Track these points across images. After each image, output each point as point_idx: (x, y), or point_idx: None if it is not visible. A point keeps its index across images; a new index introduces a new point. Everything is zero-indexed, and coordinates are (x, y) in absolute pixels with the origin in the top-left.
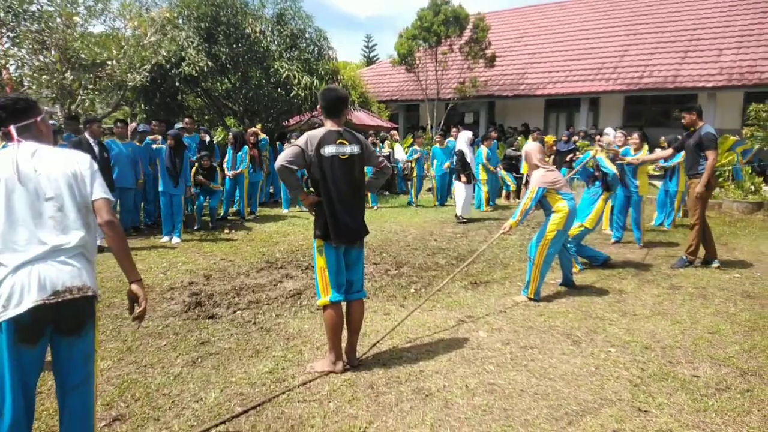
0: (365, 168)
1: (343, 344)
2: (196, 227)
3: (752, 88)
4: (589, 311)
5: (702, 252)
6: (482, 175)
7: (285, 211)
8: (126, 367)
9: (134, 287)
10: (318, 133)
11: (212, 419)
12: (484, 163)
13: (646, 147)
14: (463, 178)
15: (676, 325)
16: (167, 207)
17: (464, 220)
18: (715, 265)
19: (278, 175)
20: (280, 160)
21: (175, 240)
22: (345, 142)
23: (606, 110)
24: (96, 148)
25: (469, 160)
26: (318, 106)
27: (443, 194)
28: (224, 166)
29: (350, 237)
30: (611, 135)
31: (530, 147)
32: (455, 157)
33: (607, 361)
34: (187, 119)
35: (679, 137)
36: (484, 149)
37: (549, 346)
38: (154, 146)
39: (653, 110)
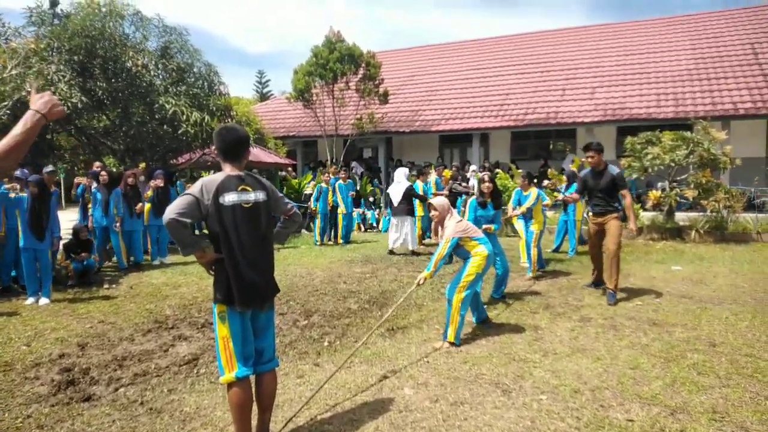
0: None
1: (253, 422)
2: (69, 283)
3: (624, 122)
4: (511, 353)
5: (592, 276)
6: (419, 211)
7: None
8: None
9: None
10: (215, 178)
11: None
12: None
13: (533, 189)
14: (420, 211)
15: (598, 363)
16: (31, 264)
17: (401, 253)
18: (602, 288)
19: (168, 230)
20: (170, 212)
21: (43, 301)
22: (248, 188)
23: (495, 145)
24: None
25: (399, 195)
26: (212, 147)
27: (348, 232)
28: (89, 212)
29: (258, 299)
30: (478, 171)
31: (441, 200)
32: (399, 194)
33: (541, 412)
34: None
35: (573, 172)
36: (420, 184)
37: (479, 399)
38: (12, 195)
39: (537, 144)
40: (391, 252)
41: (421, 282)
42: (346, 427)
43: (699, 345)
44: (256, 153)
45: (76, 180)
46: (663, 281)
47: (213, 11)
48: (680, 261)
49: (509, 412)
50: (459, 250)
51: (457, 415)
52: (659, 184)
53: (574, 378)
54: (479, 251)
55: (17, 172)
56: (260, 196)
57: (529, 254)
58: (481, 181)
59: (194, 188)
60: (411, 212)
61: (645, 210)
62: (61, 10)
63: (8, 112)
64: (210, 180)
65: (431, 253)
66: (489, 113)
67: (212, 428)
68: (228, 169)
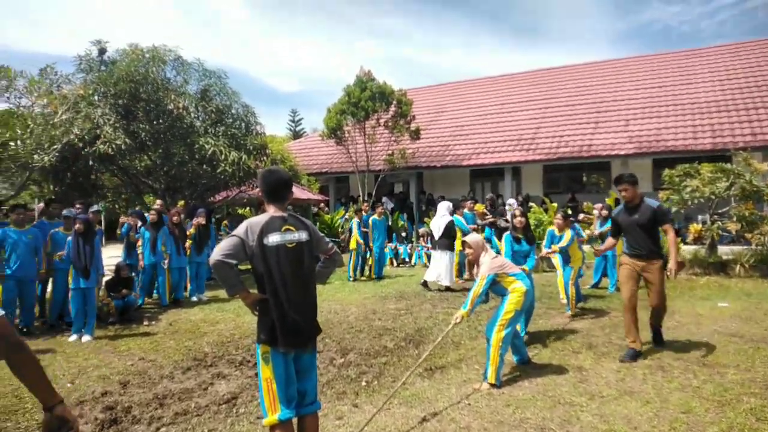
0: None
1: None
2: (110, 320)
3: (659, 155)
4: (555, 396)
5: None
6: (458, 245)
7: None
8: None
9: (59, 410)
10: (260, 220)
11: None
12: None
13: (568, 230)
14: (459, 246)
15: (647, 406)
16: (79, 302)
17: (435, 288)
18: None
19: (214, 272)
20: (216, 254)
21: (86, 338)
22: (291, 228)
23: (527, 178)
24: None
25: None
26: (249, 185)
27: (380, 267)
28: (139, 250)
29: (302, 339)
30: (514, 205)
31: (476, 237)
32: (440, 228)
33: None
34: (159, 201)
35: (608, 207)
36: (461, 218)
37: None
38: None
39: (569, 176)
40: (425, 284)
41: (458, 320)
42: None
43: (755, 388)
44: None
45: (122, 219)
46: (710, 319)
47: (248, 53)
48: (727, 297)
49: None
50: (496, 287)
51: None
52: (699, 217)
53: (623, 423)
54: (517, 287)
55: (65, 212)
56: (303, 236)
57: (567, 292)
58: (513, 216)
59: (239, 230)
60: (451, 247)
61: (686, 243)
62: (108, 57)
63: (57, 154)
64: (255, 221)
65: (466, 290)
66: (520, 147)
67: None
68: (272, 210)
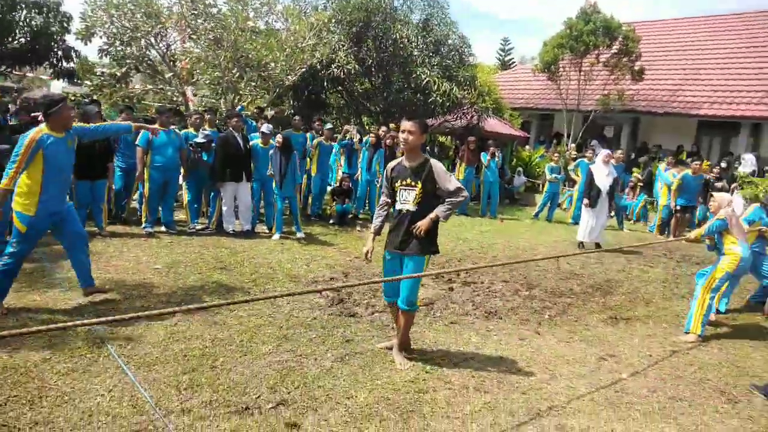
0: None
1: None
2: (331, 221)
3: None
4: (744, 367)
5: None
6: (662, 199)
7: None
8: (284, 354)
9: None
10: None
11: (363, 418)
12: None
13: None
14: (586, 201)
15: None
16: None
17: (586, 250)
18: None
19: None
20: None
21: (276, 237)
22: None
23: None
24: (240, 141)
25: (599, 182)
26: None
27: (577, 212)
28: (359, 166)
29: None
30: (752, 162)
31: (725, 194)
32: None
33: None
34: (296, 117)
35: None
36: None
37: (700, 401)
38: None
39: None
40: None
41: (692, 237)
42: (563, 390)
43: None
44: (492, 124)
45: (346, 127)
46: None
47: None
48: None
49: (732, 420)
50: (718, 239)
51: (674, 408)
52: None
53: None
54: (734, 250)
55: (263, 128)
56: None
57: None
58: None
59: None
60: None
61: None
62: None
63: (301, 75)
64: None
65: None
66: (767, 100)
67: (447, 361)
68: None
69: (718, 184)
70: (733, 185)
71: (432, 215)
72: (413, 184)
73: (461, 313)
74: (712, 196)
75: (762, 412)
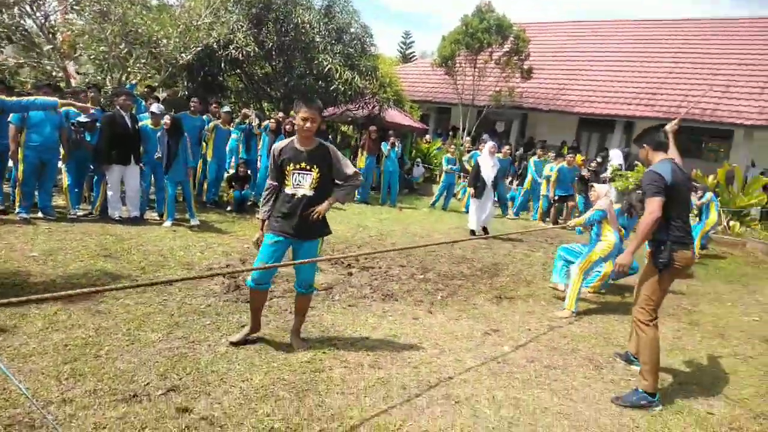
0: None
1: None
2: (228, 209)
3: None
4: (610, 338)
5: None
6: (542, 190)
7: None
8: (175, 341)
9: None
10: None
11: (258, 399)
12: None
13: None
14: (471, 191)
15: (693, 363)
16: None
17: (476, 236)
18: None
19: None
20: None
21: (167, 224)
22: None
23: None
24: (128, 121)
25: (485, 173)
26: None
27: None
28: (259, 152)
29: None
30: (618, 158)
31: (605, 186)
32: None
33: (626, 390)
34: (194, 99)
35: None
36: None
37: (571, 369)
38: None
39: (685, 141)
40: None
41: (572, 226)
42: (451, 364)
43: None
44: (393, 115)
45: (245, 111)
46: None
47: None
48: None
49: (597, 383)
50: (596, 227)
51: (548, 375)
52: None
53: (666, 370)
54: (609, 237)
55: (153, 108)
56: None
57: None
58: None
59: None
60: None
61: None
62: None
63: (196, 54)
64: None
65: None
66: (638, 100)
67: (344, 342)
68: None
69: (603, 176)
70: (604, 176)
71: (330, 199)
72: (308, 168)
73: (359, 297)
74: (592, 187)
75: (622, 376)
